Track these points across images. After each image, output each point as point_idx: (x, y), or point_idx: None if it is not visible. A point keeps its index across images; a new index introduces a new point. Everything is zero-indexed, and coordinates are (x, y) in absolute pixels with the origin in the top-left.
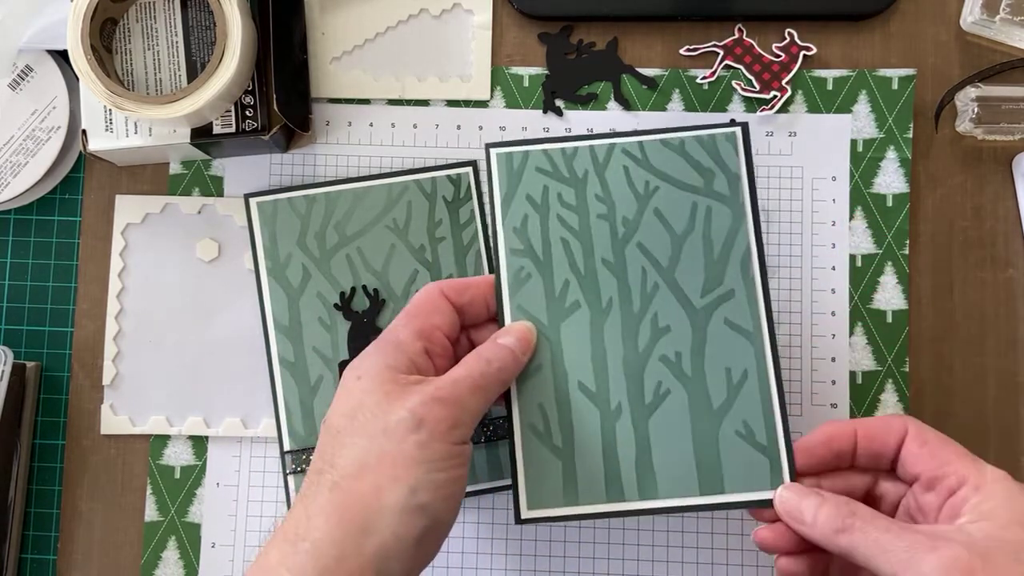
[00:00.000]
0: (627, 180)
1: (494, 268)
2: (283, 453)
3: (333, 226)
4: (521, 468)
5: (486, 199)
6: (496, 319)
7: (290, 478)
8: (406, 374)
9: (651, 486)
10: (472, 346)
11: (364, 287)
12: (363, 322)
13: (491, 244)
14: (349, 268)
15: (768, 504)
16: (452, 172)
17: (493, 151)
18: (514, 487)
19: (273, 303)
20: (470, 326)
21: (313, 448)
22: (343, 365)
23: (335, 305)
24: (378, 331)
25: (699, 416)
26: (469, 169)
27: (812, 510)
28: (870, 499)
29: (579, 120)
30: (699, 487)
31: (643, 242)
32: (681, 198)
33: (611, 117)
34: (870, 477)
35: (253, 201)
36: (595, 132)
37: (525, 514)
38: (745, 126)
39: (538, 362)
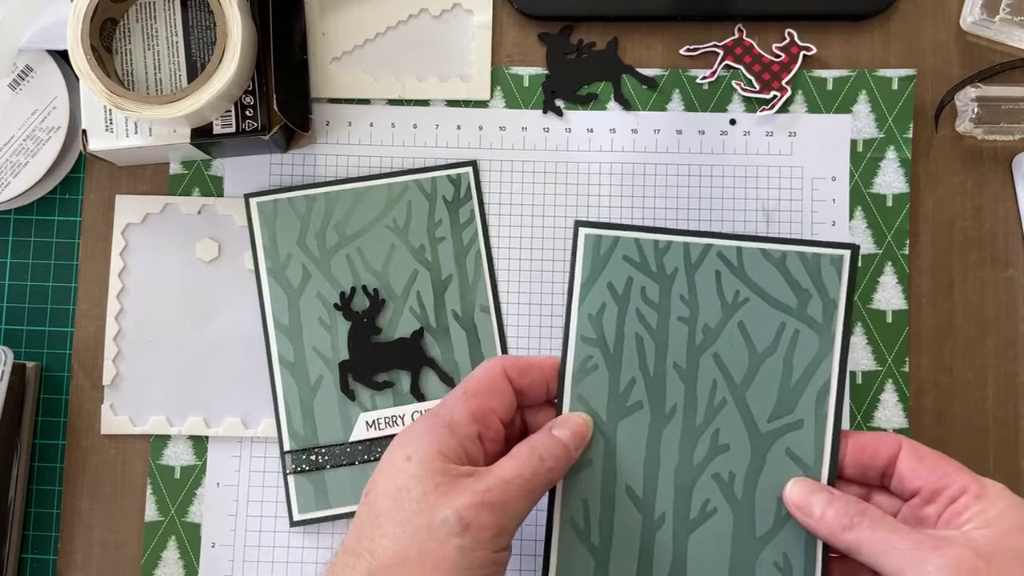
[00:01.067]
0: (717, 286)
1: (562, 351)
2: (283, 453)
3: (333, 226)
4: (555, 560)
5: (487, 199)
6: (554, 403)
7: (290, 478)
8: (456, 463)
9: None
10: (525, 427)
11: (364, 287)
12: (363, 322)
13: (564, 327)
14: (349, 268)
15: None
16: (452, 172)
17: (582, 231)
18: (544, 574)
19: (273, 303)
20: (526, 406)
21: (314, 448)
22: (343, 365)
23: (335, 305)
24: (378, 331)
25: (740, 541)
26: (469, 169)
27: (821, 506)
28: None
29: (579, 120)
30: None
31: (720, 354)
32: (770, 315)
33: (611, 117)
34: (863, 491)
35: (253, 201)
36: (691, 230)
37: None
38: (855, 249)
39: (589, 456)
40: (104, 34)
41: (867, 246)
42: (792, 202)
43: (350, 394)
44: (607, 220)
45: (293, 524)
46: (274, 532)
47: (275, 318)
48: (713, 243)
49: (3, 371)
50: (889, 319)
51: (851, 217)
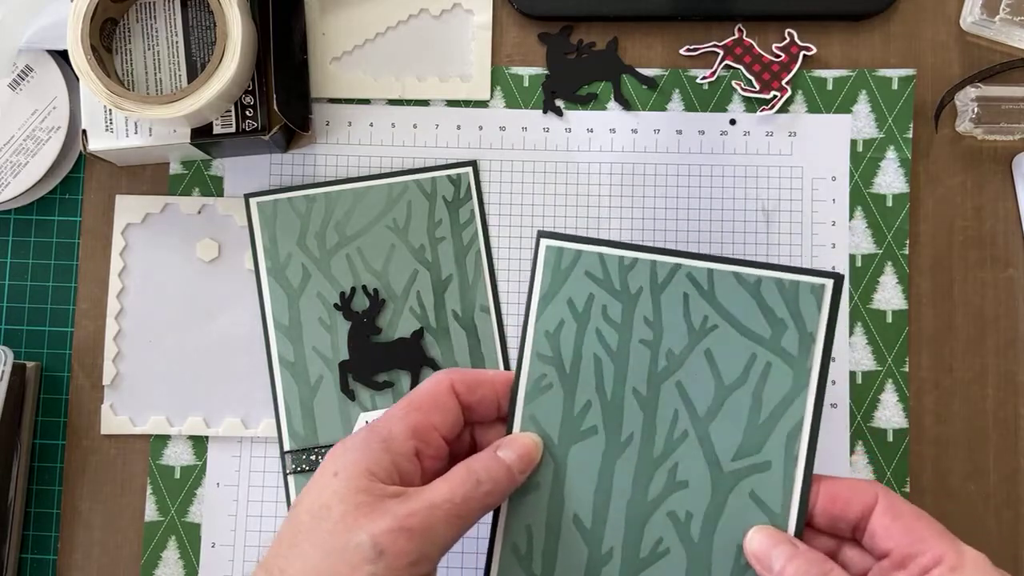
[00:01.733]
0: (684, 309)
1: (516, 367)
2: (283, 453)
3: (333, 226)
4: None
5: (487, 199)
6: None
7: (290, 478)
8: (387, 481)
9: None
10: (474, 445)
11: (364, 287)
12: (363, 322)
13: (520, 342)
14: (349, 268)
15: None
16: (452, 172)
17: (544, 241)
18: None
19: (273, 303)
20: (476, 423)
21: (314, 448)
22: (343, 365)
23: (335, 305)
24: (378, 331)
25: None
26: (469, 169)
27: (782, 560)
28: None
29: (579, 120)
30: None
31: (684, 382)
32: (740, 345)
33: (611, 117)
34: (833, 543)
35: (253, 201)
36: (658, 247)
37: None
38: (839, 279)
39: (537, 480)
40: (104, 34)
41: (867, 246)
42: (792, 202)
43: (350, 394)
44: (573, 231)
45: None
46: (274, 532)
47: (275, 318)
48: (683, 263)
49: (3, 371)
50: (889, 319)
51: (851, 217)
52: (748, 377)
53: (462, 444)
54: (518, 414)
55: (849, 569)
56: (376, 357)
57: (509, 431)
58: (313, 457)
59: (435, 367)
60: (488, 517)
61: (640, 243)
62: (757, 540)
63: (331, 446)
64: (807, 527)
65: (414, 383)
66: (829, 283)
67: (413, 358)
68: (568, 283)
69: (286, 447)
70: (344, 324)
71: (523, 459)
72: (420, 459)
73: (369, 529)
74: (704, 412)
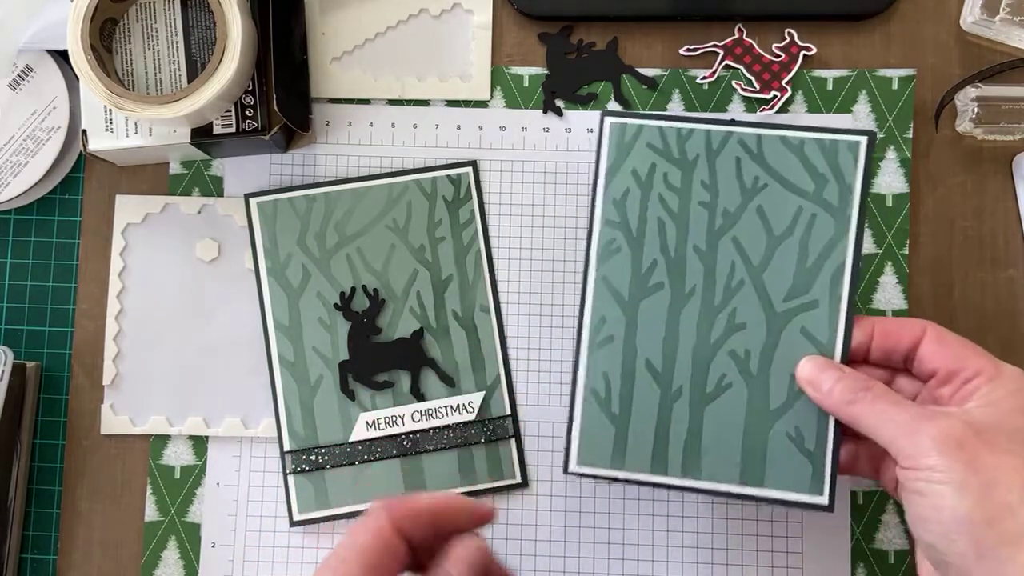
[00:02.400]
0: (737, 171)
1: (587, 237)
2: (283, 453)
3: (333, 226)
4: (577, 426)
5: (487, 199)
6: (444, 539)
7: (290, 478)
8: None
9: (695, 467)
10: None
11: (364, 287)
12: (363, 322)
13: (589, 213)
14: (349, 268)
15: (804, 506)
16: (452, 172)
17: (608, 119)
18: (567, 442)
19: (273, 303)
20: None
21: (313, 448)
22: (343, 365)
23: (335, 305)
24: (378, 331)
25: (754, 413)
26: (469, 169)
27: (830, 382)
28: None
29: (579, 120)
30: (739, 476)
31: (739, 237)
32: (787, 199)
33: None
34: (887, 374)
35: (253, 201)
36: (712, 118)
37: (573, 468)
38: (872, 136)
39: (610, 333)
40: (104, 34)
41: (867, 246)
42: None
43: (350, 394)
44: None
45: (293, 524)
46: (274, 532)
47: (275, 318)
48: (734, 131)
49: (3, 371)
50: None
51: None
52: (795, 228)
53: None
54: (591, 275)
55: (901, 393)
56: (376, 357)
57: (583, 293)
58: (313, 457)
59: (435, 367)
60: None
61: (694, 115)
62: (808, 367)
63: (331, 446)
64: (864, 362)
65: (414, 383)
66: (864, 139)
67: (413, 358)
68: (632, 155)
69: (286, 447)
70: (344, 324)
71: (470, 568)
72: None
73: None
74: (758, 262)
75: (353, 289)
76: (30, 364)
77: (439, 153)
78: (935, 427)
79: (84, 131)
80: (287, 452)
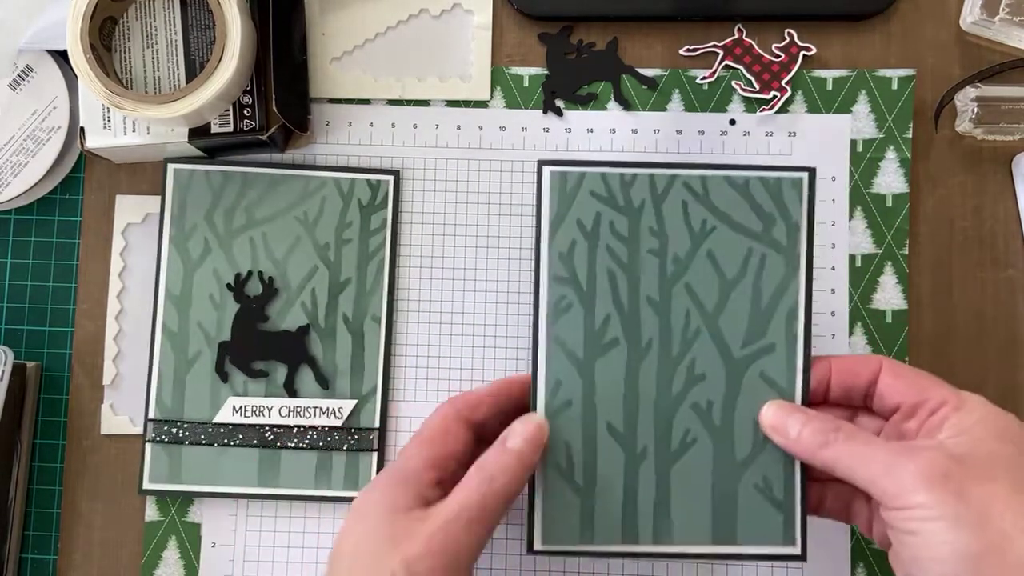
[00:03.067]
0: (684, 216)
1: (533, 294)
2: (146, 420)
3: (244, 207)
4: (540, 503)
5: (402, 209)
6: (509, 420)
7: (147, 446)
8: (408, 511)
9: (666, 531)
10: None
11: (260, 273)
12: (252, 308)
13: (535, 269)
14: (250, 251)
15: (778, 558)
16: (373, 177)
17: (546, 169)
18: (530, 518)
19: (169, 271)
20: (490, 437)
21: (176, 421)
22: (223, 346)
23: (228, 285)
24: (265, 319)
25: (721, 467)
26: (390, 178)
27: (797, 426)
28: None
29: (579, 120)
30: (712, 536)
31: (691, 284)
32: (737, 242)
33: (611, 117)
34: (848, 412)
35: (171, 167)
36: (654, 162)
37: (539, 547)
38: (812, 172)
39: (568, 398)
40: (104, 33)
41: (867, 246)
42: None
43: (224, 376)
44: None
45: (140, 492)
46: (274, 532)
47: (167, 286)
48: (678, 173)
49: (3, 371)
50: (889, 319)
51: (851, 217)
52: (747, 270)
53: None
54: (543, 337)
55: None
56: (258, 344)
57: (534, 358)
58: (174, 430)
59: (314, 366)
60: None
61: (634, 160)
62: (772, 413)
63: (194, 423)
64: (824, 403)
65: (289, 378)
66: (805, 175)
67: (294, 353)
68: (575, 205)
69: (150, 415)
70: (234, 306)
71: (531, 442)
72: (442, 486)
73: (401, 556)
74: (712, 308)
75: (249, 273)
76: (30, 364)
77: (439, 153)
78: (917, 462)
79: (82, 128)
80: (150, 420)
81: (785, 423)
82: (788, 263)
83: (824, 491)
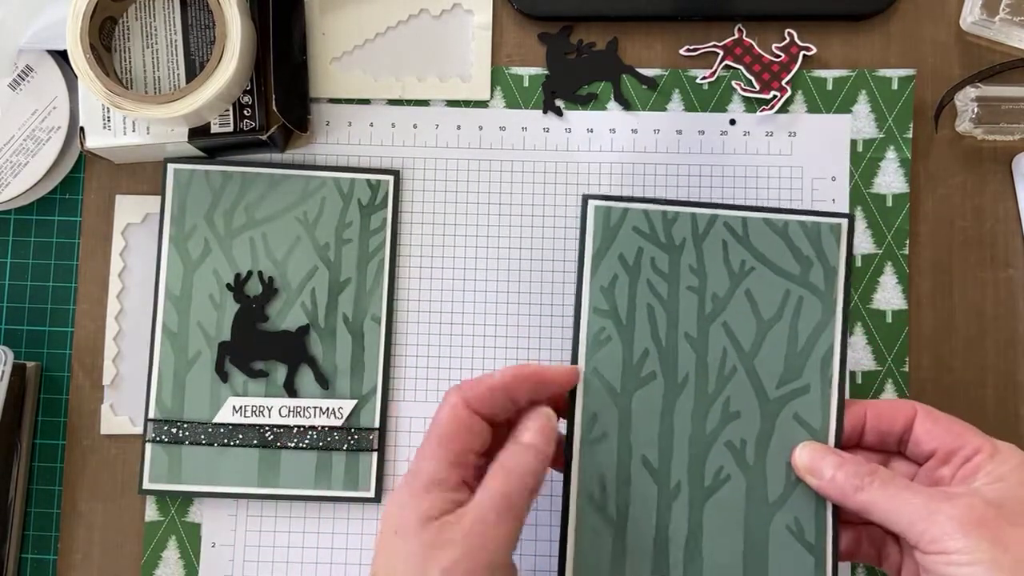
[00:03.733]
0: (724, 255)
1: (574, 326)
2: (146, 420)
3: (244, 207)
4: (572, 533)
5: (402, 209)
6: (530, 405)
7: (148, 446)
8: (440, 518)
9: (697, 569)
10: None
11: (260, 273)
12: (252, 307)
13: (576, 300)
14: (250, 251)
15: None
16: (372, 177)
17: (591, 203)
18: (561, 549)
19: (169, 271)
20: (507, 421)
21: (176, 421)
22: (223, 346)
23: (228, 285)
24: (265, 319)
25: (753, 507)
26: (390, 178)
27: (832, 468)
28: None
29: (579, 120)
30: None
31: (729, 322)
32: (775, 283)
33: (611, 117)
34: (882, 458)
35: (171, 167)
36: (697, 201)
37: None
38: (851, 219)
39: (604, 430)
40: (103, 33)
41: (867, 246)
42: (792, 202)
43: (224, 376)
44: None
45: (140, 492)
46: (274, 532)
47: (168, 286)
48: (719, 213)
49: (3, 371)
50: (889, 319)
51: None
52: (784, 311)
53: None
54: (582, 367)
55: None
56: (258, 344)
57: (572, 394)
58: (174, 430)
59: (313, 366)
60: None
61: (677, 198)
62: (807, 454)
63: (194, 423)
64: (858, 447)
65: (289, 378)
66: (844, 222)
67: (294, 352)
68: (618, 239)
69: (150, 415)
70: (234, 306)
71: (541, 433)
72: (468, 482)
73: (439, 567)
74: (749, 347)
75: (249, 273)
76: (30, 364)
77: (439, 153)
78: (954, 507)
79: (82, 128)
80: (150, 420)
81: (820, 465)
82: (824, 306)
83: (860, 535)
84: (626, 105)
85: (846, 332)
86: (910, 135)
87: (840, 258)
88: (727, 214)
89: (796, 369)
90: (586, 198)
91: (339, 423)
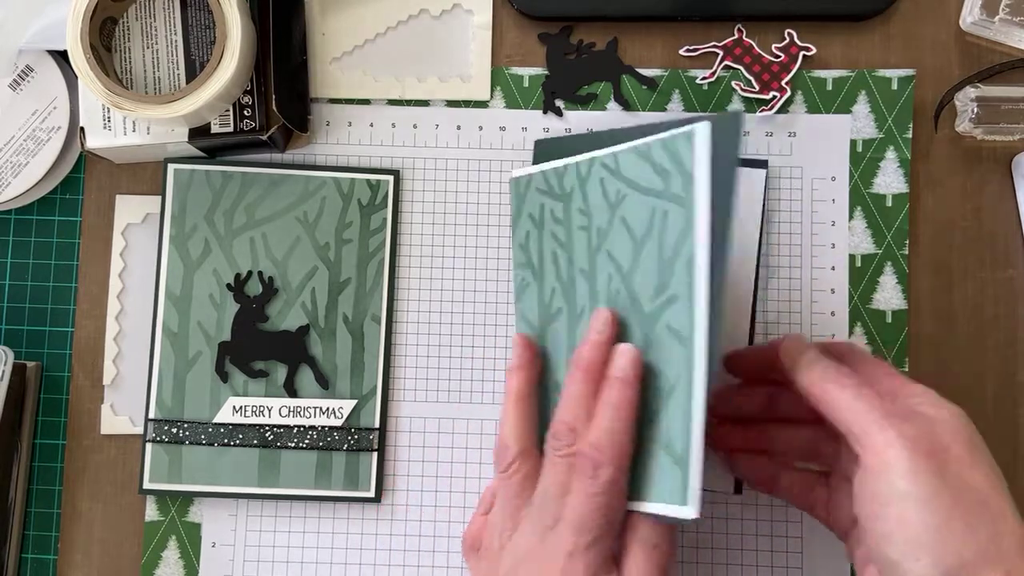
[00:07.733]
0: (602, 191)
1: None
2: (147, 420)
3: (244, 207)
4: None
5: (402, 209)
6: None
7: (148, 446)
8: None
9: None
10: None
11: (260, 273)
12: (252, 307)
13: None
14: (250, 251)
15: (680, 521)
16: (372, 177)
17: (511, 178)
18: None
19: (169, 271)
20: None
21: (176, 421)
22: (223, 346)
23: (228, 285)
24: (265, 319)
25: (636, 422)
26: (390, 178)
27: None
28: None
29: (579, 120)
30: (632, 492)
31: (610, 250)
32: (643, 203)
33: (611, 117)
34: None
35: (171, 167)
36: (594, 132)
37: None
38: (711, 121)
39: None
40: (104, 33)
41: (867, 246)
42: (792, 202)
43: (224, 376)
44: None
45: (141, 491)
46: (274, 532)
47: (168, 286)
48: (596, 155)
49: (3, 371)
50: (889, 319)
51: (851, 217)
52: (653, 227)
53: None
54: (516, 312)
55: None
56: (257, 344)
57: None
58: (175, 430)
59: (313, 366)
60: None
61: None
62: (791, 345)
63: (194, 423)
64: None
65: (289, 378)
66: (696, 127)
67: (294, 352)
68: (526, 202)
69: (151, 415)
70: (234, 306)
71: (517, 347)
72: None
73: None
74: (627, 268)
75: (249, 273)
76: (30, 364)
77: (439, 153)
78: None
79: (82, 128)
80: (150, 420)
81: (800, 359)
82: (687, 213)
83: (779, 470)
84: (626, 105)
85: (720, 233)
86: (910, 135)
87: (694, 162)
88: (602, 154)
89: (666, 280)
90: (511, 178)
91: (339, 423)
